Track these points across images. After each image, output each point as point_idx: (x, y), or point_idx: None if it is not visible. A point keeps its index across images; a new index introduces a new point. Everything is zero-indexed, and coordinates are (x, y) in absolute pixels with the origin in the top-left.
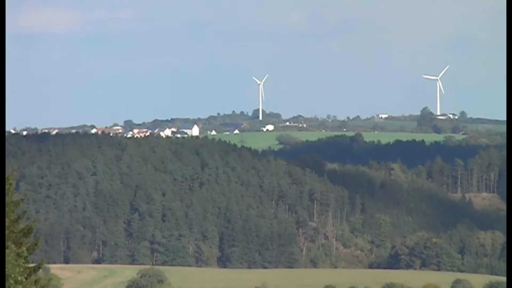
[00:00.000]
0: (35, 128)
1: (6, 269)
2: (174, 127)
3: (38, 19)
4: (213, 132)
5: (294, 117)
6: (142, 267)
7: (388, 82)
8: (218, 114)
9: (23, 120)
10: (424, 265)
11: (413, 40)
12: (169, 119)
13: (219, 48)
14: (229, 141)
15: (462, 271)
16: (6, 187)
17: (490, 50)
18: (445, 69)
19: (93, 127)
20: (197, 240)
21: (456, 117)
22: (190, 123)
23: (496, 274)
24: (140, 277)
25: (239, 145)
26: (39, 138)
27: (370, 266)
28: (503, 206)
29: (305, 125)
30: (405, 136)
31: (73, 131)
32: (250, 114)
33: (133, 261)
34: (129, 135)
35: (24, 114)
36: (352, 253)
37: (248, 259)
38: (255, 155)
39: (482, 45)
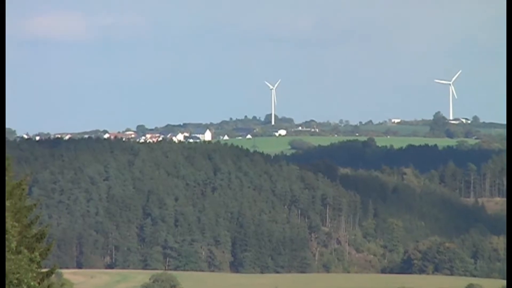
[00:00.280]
0: (48, 133)
1: (18, 274)
2: (187, 132)
3: (48, 25)
4: (226, 137)
5: (306, 122)
6: (154, 272)
7: (401, 86)
8: (231, 119)
9: (36, 125)
10: (437, 270)
11: (425, 45)
12: (182, 124)
13: (231, 53)
14: (242, 146)
15: (475, 276)
16: (19, 192)
17: (503, 55)
18: (458, 73)
19: (105, 132)
20: (209, 245)
21: (469, 121)
22: (202, 128)
23: None
24: (153, 282)
25: (251, 150)
26: (51, 143)
27: (383, 271)
28: None
29: (317, 130)
30: (417, 141)
31: (86, 136)
32: (262, 119)
33: (145, 266)
34: (141, 140)
35: (37, 120)
36: (364, 258)
37: (261, 263)
38: (268, 160)
39: (495, 50)
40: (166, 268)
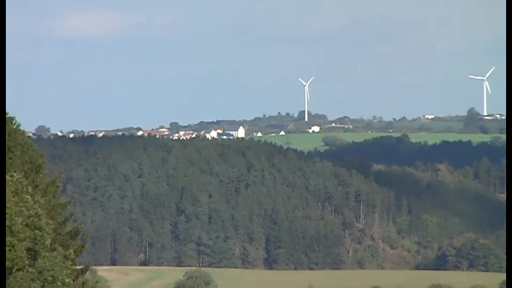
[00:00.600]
0: (82, 131)
1: (53, 271)
2: (220, 129)
3: (81, 24)
4: (259, 134)
5: (340, 118)
6: (188, 269)
7: (434, 82)
8: (264, 115)
9: (69, 123)
10: (471, 266)
11: (459, 40)
12: (215, 121)
13: (264, 50)
14: (275, 143)
15: None
16: (53, 189)
17: None
18: (492, 69)
19: (139, 129)
20: (243, 241)
21: (503, 117)
22: (236, 124)
23: None
24: (187, 279)
25: (285, 147)
26: (85, 141)
27: (417, 267)
28: None
29: (351, 126)
30: (451, 137)
31: (120, 133)
32: (295, 115)
33: (179, 263)
34: (175, 137)
35: (71, 117)
36: (399, 254)
37: (295, 260)
38: (301, 157)
39: None
40: (200, 265)
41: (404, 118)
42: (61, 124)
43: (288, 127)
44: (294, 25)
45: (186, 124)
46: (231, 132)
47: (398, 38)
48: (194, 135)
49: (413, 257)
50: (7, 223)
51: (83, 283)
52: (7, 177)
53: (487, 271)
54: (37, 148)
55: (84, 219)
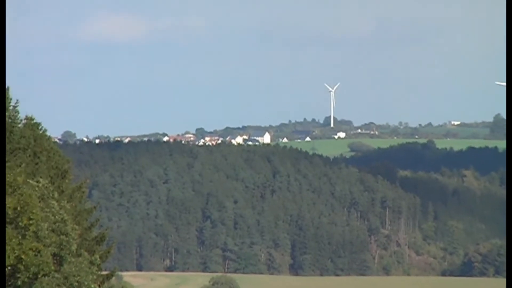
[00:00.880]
0: (108, 136)
1: (79, 277)
2: (246, 135)
3: (106, 29)
4: (285, 140)
5: (365, 124)
6: (214, 274)
7: (460, 88)
8: (290, 121)
9: (95, 129)
10: (497, 273)
11: (485, 46)
12: (241, 126)
13: (290, 56)
14: (301, 149)
15: None
16: (79, 195)
17: None
18: None
19: (165, 135)
20: (269, 247)
21: None
22: (261, 130)
23: None
24: (212, 284)
25: (310, 153)
26: (111, 146)
27: (443, 273)
28: None
29: (376, 132)
30: (477, 143)
31: (145, 139)
32: (321, 121)
33: (205, 269)
34: (200, 143)
35: (97, 123)
36: (424, 261)
37: (320, 266)
38: (327, 163)
39: None
40: (226, 270)
41: (430, 124)
42: (87, 130)
43: (313, 133)
44: (320, 30)
45: (212, 130)
46: (257, 138)
47: (425, 43)
48: (219, 141)
49: (439, 263)
50: (33, 228)
51: None
52: (33, 183)
53: None
54: (63, 153)
55: (109, 224)
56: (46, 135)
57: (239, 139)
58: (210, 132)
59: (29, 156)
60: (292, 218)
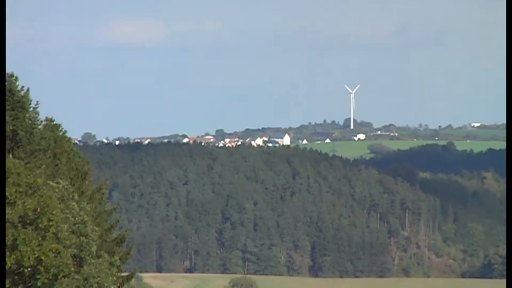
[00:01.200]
0: (128, 138)
1: (99, 278)
2: (265, 136)
3: (125, 32)
4: (304, 141)
5: (385, 126)
6: (234, 276)
7: (480, 90)
8: (309, 123)
9: (115, 130)
10: None
11: (504, 47)
12: (260, 128)
13: (309, 58)
14: (320, 150)
15: None
16: (99, 196)
17: None
18: None
19: (184, 136)
20: (288, 249)
21: None
22: (281, 132)
23: None
24: (232, 286)
25: (330, 154)
26: (131, 148)
27: (463, 275)
28: None
29: (396, 134)
30: (498, 145)
31: (165, 140)
32: (341, 123)
33: (225, 270)
34: (220, 145)
35: (117, 124)
36: (444, 263)
37: (340, 268)
38: (347, 164)
39: None
40: (245, 272)
41: (450, 126)
42: (107, 131)
43: (333, 135)
44: (340, 33)
45: (232, 132)
46: (277, 140)
47: (444, 46)
48: (239, 143)
49: (459, 265)
50: (53, 230)
51: None
52: (53, 184)
53: None
54: (83, 155)
55: (129, 226)
56: (66, 137)
57: (259, 141)
58: (230, 134)
59: (49, 157)
60: (312, 219)
